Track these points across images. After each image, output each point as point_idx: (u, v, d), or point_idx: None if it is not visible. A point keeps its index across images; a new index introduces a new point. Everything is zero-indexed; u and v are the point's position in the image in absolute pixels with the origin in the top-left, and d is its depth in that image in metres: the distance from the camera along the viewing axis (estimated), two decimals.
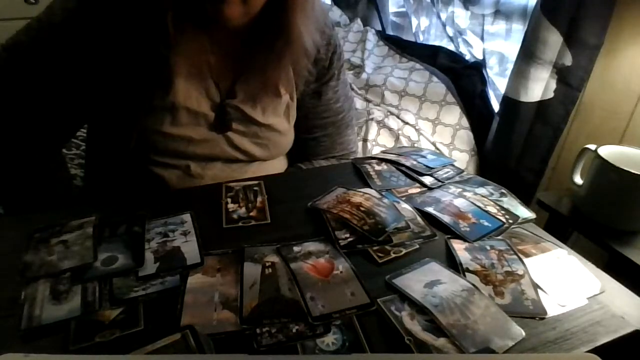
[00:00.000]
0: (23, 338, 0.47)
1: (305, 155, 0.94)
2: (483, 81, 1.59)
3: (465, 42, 1.78)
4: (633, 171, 0.85)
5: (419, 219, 0.67)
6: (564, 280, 0.58)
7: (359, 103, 1.50)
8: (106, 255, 0.57)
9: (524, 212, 0.70)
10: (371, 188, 0.75)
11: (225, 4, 0.64)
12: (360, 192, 0.72)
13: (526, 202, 0.74)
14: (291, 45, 0.73)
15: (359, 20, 2.09)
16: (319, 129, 0.92)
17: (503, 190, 0.76)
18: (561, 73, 1.22)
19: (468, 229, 0.65)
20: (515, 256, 0.61)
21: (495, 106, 1.52)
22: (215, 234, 0.63)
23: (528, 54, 1.25)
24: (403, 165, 0.82)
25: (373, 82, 1.59)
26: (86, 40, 0.70)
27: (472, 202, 0.71)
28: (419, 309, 0.51)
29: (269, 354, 0.46)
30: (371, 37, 1.91)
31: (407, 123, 1.44)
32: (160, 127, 0.74)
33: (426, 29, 2.02)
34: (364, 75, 1.64)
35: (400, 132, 1.41)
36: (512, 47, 1.55)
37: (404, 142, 1.40)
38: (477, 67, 1.63)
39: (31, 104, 0.73)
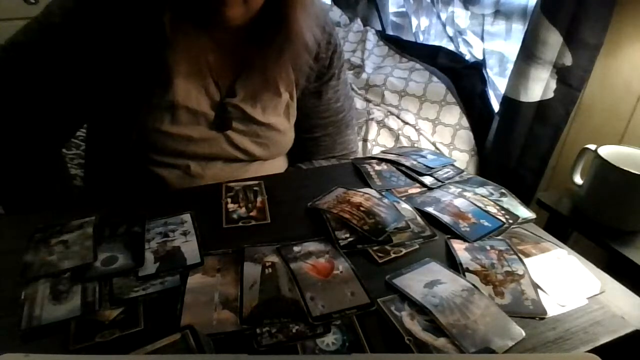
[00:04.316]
0: (23, 338, 0.47)
1: (306, 155, 0.94)
2: (483, 81, 1.59)
3: (465, 42, 1.79)
4: (633, 171, 0.85)
5: (419, 219, 0.67)
6: (564, 280, 0.58)
7: (359, 103, 1.50)
8: (106, 255, 0.57)
9: (524, 212, 0.70)
10: (371, 188, 0.75)
11: (226, 5, 0.64)
12: (360, 192, 0.72)
13: (526, 202, 0.74)
14: (291, 41, 0.73)
15: (359, 20, 2.09)
16: (319, 129, 0.92)
17: (503, 190, 0.76)
18: (561, 73, 1.22)
19: (468, 229, 0.65)
20: (515, 256, 0.61)
21: (495, 106, 1.53)
22: (215, 234, 0.63)
23: (528, 54, 1.25)
24: (403, 165, 0.82)
25: (373, 82, 1.59)
26: (85, 40, 0.70)
27: (472, 202, 0.71)
28: (419, 309, 0.51)
29: (269, 354, 0.46)
30: (371, 37, 1.91)
31: (407, 123, 1.44)
32: (160, 126, 0.74)
33: (426, 29, 2.02)
34: (364, 75, 1.64)
35: (400, 132, 1.41)
36: (512, 47, 1.55)
37: (404, 142, 1.40)
38: (477, 67, 1.63)
39: (31, 104, 0.73)
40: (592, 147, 0.96)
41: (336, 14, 2.19)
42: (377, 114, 1.45)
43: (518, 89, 1.30)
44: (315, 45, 0.81)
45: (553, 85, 1.25)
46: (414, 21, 2.06)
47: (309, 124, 0.91)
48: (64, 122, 0.80)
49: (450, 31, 1.84)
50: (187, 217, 0.65)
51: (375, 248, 0.61)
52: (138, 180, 0.80)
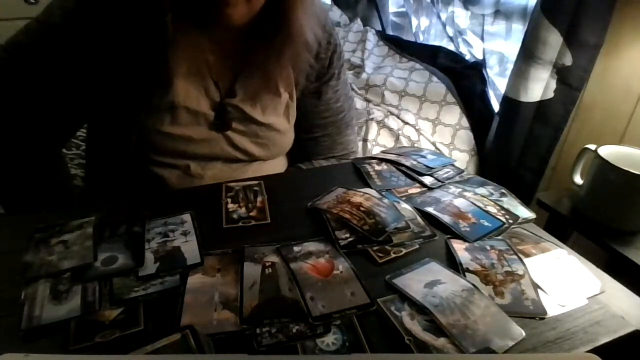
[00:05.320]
0: (23, 338, 0.47)
1: (306, 155, 0.94)
2: (483, 81, 1.59)
3: (465, 42, 1.78)
4: (633, 171, 0.85)
5: (419, 219, 0.67)
6: (564, 280, 0.58)
7: (359, 103, 1.50)
8: (106, 255, 0.57)
9: (524, 212, 0.70)
10: (371, 188, 0.75)
11: (228, 4, 0.64)
12: (360, 192, 0.72)
13: (526, 202, 0.74)
14: (291, 40, 0.73)
15: (359, 20, 2.09)
16: (319, 129, 0.92)
17: (503, 190, 0.76)
18: (561, 73, 1.22)
19: (468, 229, 0.65)
20: (515, 256, 0.61)
21: (495, 106, 1.52)
22: (215, 234, 0.63)
23: (528, 54, 1.25)
24: (403, 165, 0.82)
25: (373, 82, 1.59)
26: (85, 39, 0.70)
27: (472, 202, 0.71)
28: (419, 309, 0.51)
29: (269, 354, 0.46)
30: (371, 37, 1.91)
31: (407, 123, 1.44)
32: (160, 126, 0.74)
33: (426, 29, 2.02)
34: (364, 75, 1.64)
35: (400, 132, 1.41)
36: (512, 47, 1.55)
37: (404, 142, 1.40)
38: (477, 67, 1.63)
39: (31, 104, 0.73)
40: (592, 147, 0.96)
41: (336, 14, 2.18)
42: (377, 114, 1.45)
43: (518, 89, 1.30)
44: (315, 45, 0.81)
45: (553, 85, 1.25)
46: (414, 21, 2.06)
47: (308, 124, 0.91)
48: (64, 122, 0.80)
49: (450, 31, 1.84)
50: (187, 217, 0.65)
51: (375, 248, 0.61)
52: (138, 180, 0.80)
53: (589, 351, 0.48)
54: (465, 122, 1.47)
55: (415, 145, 1.41)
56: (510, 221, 0.68)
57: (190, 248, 0.59)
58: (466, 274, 0.57)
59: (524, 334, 0.49)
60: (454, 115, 1.47)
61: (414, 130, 1.43)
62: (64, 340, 0.46)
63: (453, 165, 0.84)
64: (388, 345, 0.48)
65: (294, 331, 0.48)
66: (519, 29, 1.53)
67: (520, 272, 0.58)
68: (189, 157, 0.79)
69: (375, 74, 1.64)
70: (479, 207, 0.70)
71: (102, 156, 0.86)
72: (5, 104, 0.73)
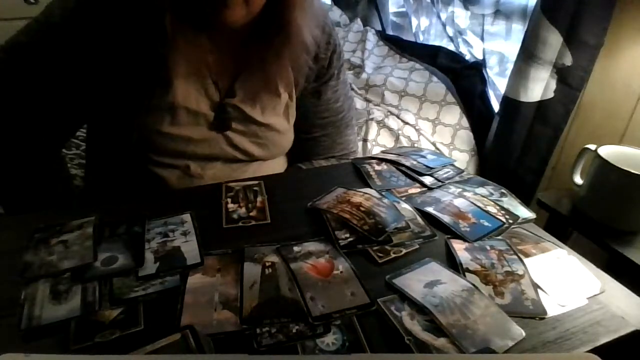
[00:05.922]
0: (23, 338, 0.47)
1: (305, 155, 0.94)
2: (483, 81, 1.59)
3: (465, 42, 1.79)
4: (633, 171, 0.85)
5: (419, 219, 0.67)
6: (564, 280, 0.58)
7: (359, 103, 1.50)
8: (106, 255, 0.57)
9: (524, 212, 0.70)
10: (371, 188, 0.75)
11: (227, 8, 0.64)
12: (360, 192, 0.72)
13: (526, 202, 0.74)
14: (290, 42, 0.73)
15: (359, 20, 2.09)
16: (319, 129, 0.92)
17: (503, 190, 0.76)
18: (561, 73, 1.22)
19: (468, 229, 0.65)
20: (515, 256, 0.61)
21: (495, 106, 1.53)
22: (215, 234, 0.63)
23: (528, 54, 1.25)
24: (403, 165, 0.82)
25: (373, 82, 1.59)
26: (85, 39, 0.70)
27: (472, 202, 0.71)
28: (419, 309, 0.51)
29: (269, 354, 0.46)
30: (371, 37, 1.91)
31: (407, 123, 1.44)
32: (160, 126, 0.74)
33: (426, 29, 2.02)
34: (364, 75, 1.64)
35: (400, 132, 1.41)
36: (512, 47, 1.55)
37: (404, 142, 1.40)
38: (477, 67, 1.63)
39: (31, 104, 0.73)
40: (592, 147, 0.96)
41: (336, 14, 2.18)
42: (377, 114, 1.45)
43: (518, 89, 1.30)
44: (315, 45, 0.81)
45: (553, 85, 1.25)
46: (414, 21, 2.07)
47: (308, 124, 0.91)
48: (64, 122, 0.80)
49: (450, 31, 1.84)
50: (187, 217, 0.65)
51: (375, 248, 0.61)
52: (138, 180, 0.80)
53: (589, 351, 0.48)
54: (465, 122, 1.47)
55: (415, 145, 1.41)
56: (510, 221, 0.68)
57: (190, 248, 0.59)
58: (466, 274, 0.57)
59: (524, 334, 0.49)
60: (454, 115, 1.47)
61: (414, 130, 1.44)
62: (64, 340, 0.46)
63: (453, 165, 0.84)
64: (388, 345, 0.48)
65: (294, 331, 0.48)
66: (519, 29, 1.53)
67: (520, 272, 0.58)
68: (189, 157, 0.79)
69: (375, 74, 1.64)
70: (479, 207, 0.70)
71: (102, 156, 0.87)
72: (5, 104, 0.73)
